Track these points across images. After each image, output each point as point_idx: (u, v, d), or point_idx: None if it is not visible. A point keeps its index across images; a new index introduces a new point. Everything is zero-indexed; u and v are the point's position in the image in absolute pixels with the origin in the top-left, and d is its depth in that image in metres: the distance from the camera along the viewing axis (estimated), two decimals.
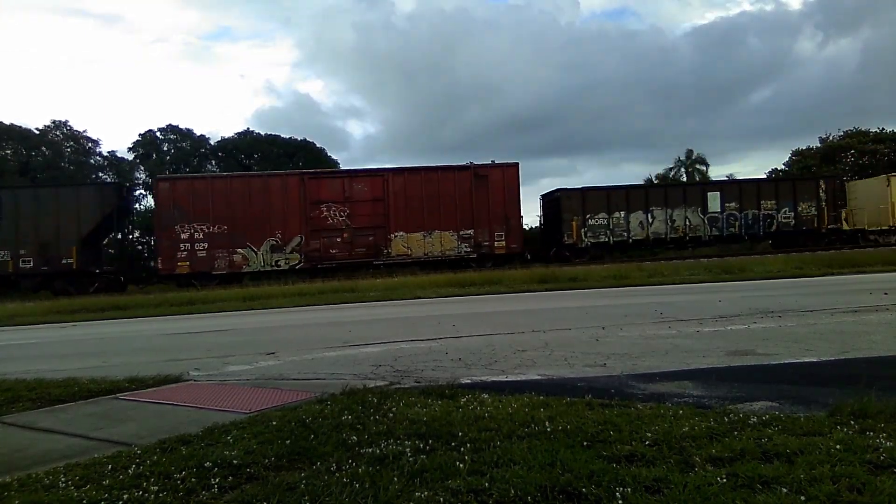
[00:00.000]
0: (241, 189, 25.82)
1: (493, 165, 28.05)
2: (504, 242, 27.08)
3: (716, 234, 29.35)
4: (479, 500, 2.45)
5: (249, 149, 50.74)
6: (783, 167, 52.21)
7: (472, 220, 26.89)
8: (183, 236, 24.92)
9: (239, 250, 25.44)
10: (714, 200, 29.51)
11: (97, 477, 2.92)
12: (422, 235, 26.68)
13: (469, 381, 4.93)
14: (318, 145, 52.77)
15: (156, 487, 2.71)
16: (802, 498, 2.31)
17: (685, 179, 48.39)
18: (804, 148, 51.88)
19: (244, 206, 25.48)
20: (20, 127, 45.18)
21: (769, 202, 29.59)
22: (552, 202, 30.43)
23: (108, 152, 49.26)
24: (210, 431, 3.64)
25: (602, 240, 28.73)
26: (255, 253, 25.61)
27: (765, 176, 31.89)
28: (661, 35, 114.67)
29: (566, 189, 30.49)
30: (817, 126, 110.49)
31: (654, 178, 50.89)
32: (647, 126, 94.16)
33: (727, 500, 2.32)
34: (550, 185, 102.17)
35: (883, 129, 48.17)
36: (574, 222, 28.47)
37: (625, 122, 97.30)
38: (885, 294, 9.67)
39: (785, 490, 2.37)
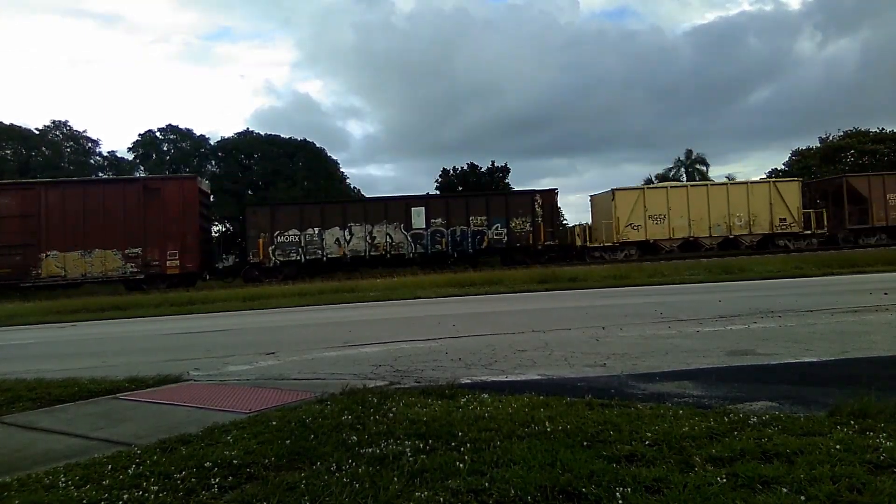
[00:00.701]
0: None
1: (168, 178, 26.22)
2: (178, 262, 25.16)
3: (421, 252, 27.71)
4: (479, 500, 2.45)
5: (249, 149, 50.75)
6: (783, 167, 52.32)
7: (142, 238, 24.83)
8: None
9: None
10: (418, 216, 27.79)
11: (97, 477, 2.92)
12: (80, 255, 24.53)
13: (469, 381, 4.93)
14: (318, 145, 52.85)
15: (156, 487, 2.72)
16: (802, 498, 2.31)
17: (685, 179, 48.38)
18: (804, 148, 51.98)
19: None
20: (20, 127, 45.29)
21: (480, 218, 28.05)
22: (243, 217, 28.26)
23: (108, 152, 49.46)
24: (210, 431, 3.64)
25: (293, 258, 26.85)
26: None
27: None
28: (661, 35, 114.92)
29: (253, 204, 28.19)
30: (817, 126, 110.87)
31: (654, 178, 51.00)
32: (647, 126, 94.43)
33: (727, 500, 2.32)
34: (551, 185, 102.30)
35: (883, 129, 48.32)
36: (261, 240, 26.54)
37: (625, 122, 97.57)
38: (885, 294, 9.67)
39: (785, 490, 2.37)
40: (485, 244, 28.20)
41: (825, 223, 29.59)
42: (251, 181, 49.50)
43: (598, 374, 5.12)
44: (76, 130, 48.03)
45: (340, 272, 27.01)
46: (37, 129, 46.39)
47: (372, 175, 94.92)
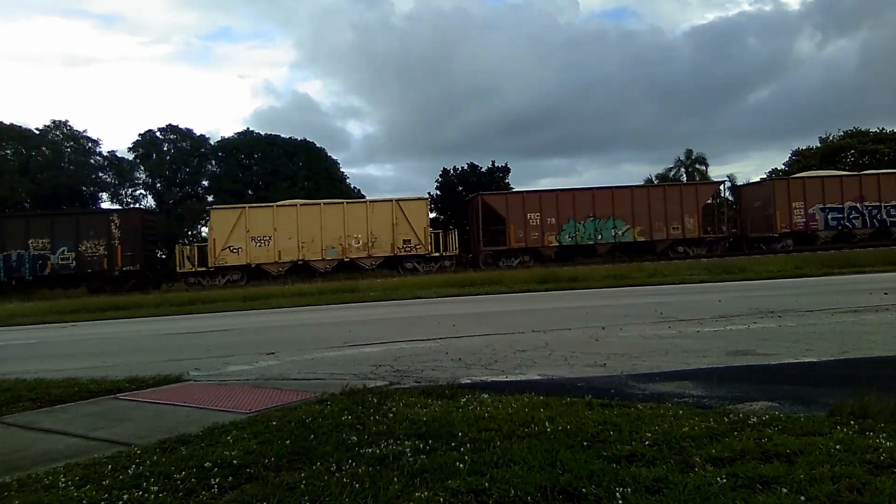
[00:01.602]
0: None
1: None
2: None
3: None
4: (479, 500, 2.44)
5: (249, 149, 50.73)
6: (783, 167, 52.30)
7: None
8: None
9: None
10: None
11: (97, 477, 2.92)
12: None
13: (469, 381, 4.93)
14: (318, 145, 52.80)
15: (156, 487, 2.72)
16: (802, 498, 2.31)
17: (685, 179, 48.32)
18: (804, 148, 51.97)
19: None
20: (20, 127, 45.23)
21: (42, 241, 24.94)
22: None
23: (108, 152, 49.27)
24: (210, 431, 3.64)
25: None
26: None
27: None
28: (661, 35, 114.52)
29: None
30: (817, 126, 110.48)
31: (653, 178, 50.91)
32: (647, 126, 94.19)
33: (727, 500, 2.32)
34: (550, 185, 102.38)
35: (883, 129, 48.30)
36: None
37: (625, 122, 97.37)
38: (886, 294, 9.67)
39: (785, 490, 2.37)
40: (48, 270, 25.15)
41: (455, 245, 28.26)
42: (251, 181, 49.46)
43: (598, 374, 5.12)
44: (76, 130, 47.93)
45: None
46: (37, 129, 46.36)
47: (372, 175, 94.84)
